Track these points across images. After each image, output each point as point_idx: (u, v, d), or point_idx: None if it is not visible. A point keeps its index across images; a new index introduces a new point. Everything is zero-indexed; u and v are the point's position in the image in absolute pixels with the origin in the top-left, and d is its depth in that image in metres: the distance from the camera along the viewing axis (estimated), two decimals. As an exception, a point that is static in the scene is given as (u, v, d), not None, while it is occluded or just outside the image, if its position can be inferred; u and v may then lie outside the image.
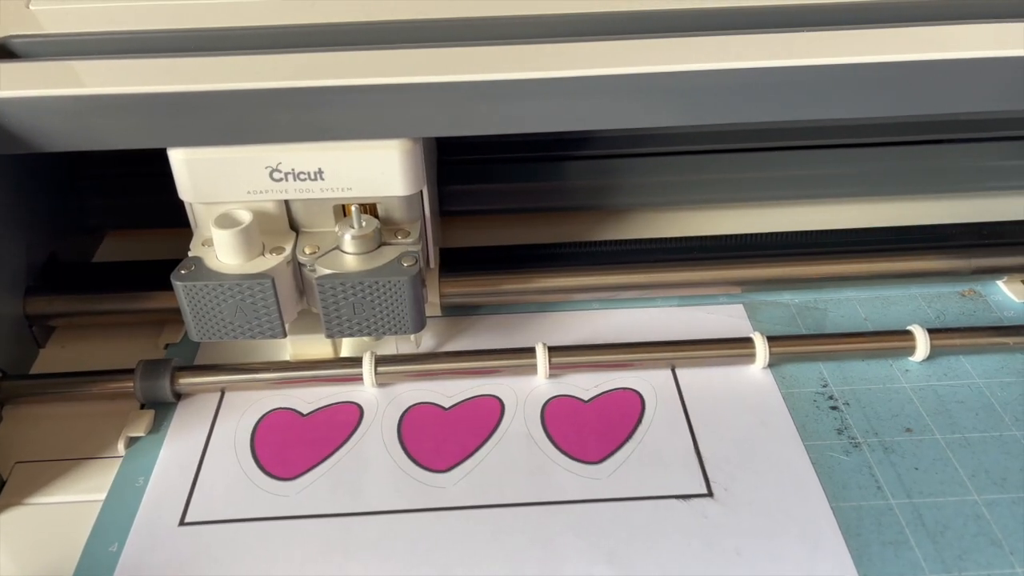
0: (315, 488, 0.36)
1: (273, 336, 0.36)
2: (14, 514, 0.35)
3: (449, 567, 0.32)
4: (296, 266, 0.37)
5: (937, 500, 0.34)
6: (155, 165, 0.47)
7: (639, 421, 0.38)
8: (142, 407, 0.39)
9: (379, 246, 0.36)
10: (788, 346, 0.40)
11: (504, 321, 0.44)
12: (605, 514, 0.34)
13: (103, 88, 0.33)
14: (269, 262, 0.35)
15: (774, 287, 0.45)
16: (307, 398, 0.40)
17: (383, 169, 0.35)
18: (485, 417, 0.39)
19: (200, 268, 0.35)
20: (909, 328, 0.40)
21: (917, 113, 0.35)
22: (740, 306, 0.44)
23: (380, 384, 0.40)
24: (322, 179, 0.35)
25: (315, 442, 0.37)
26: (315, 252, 0.36)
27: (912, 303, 0.44)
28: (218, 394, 0.40)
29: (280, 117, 0.34)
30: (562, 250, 0.45)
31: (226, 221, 0.35)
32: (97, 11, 0.39)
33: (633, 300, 0.45)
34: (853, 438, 0.37)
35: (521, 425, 0.38)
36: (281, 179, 0.35)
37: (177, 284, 0.35)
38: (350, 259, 0.36)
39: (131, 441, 0.37)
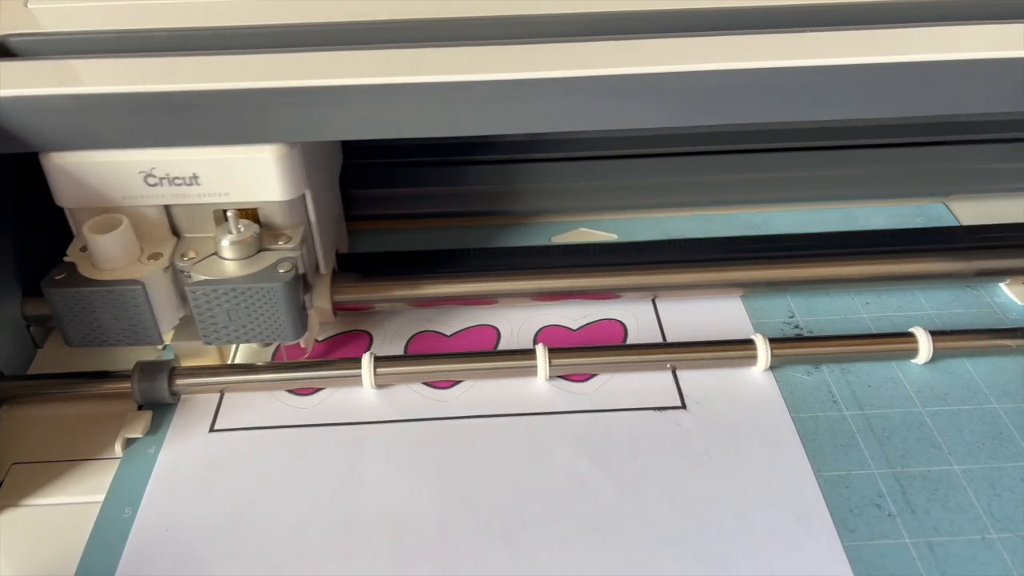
0: (330, 402, 0.40)
1: (151, 343, 0.36)
2: (10, 516, 0.34)
3: (450, 466, 0.36)
4: (175, 272, 0.36)
5: (885, 411, 0.38)
6: None
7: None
8: (140, 408, 0.39)
9: (258, 251, 0.36)
10: (790, 348, 0.40)
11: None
12: (590, 423, 0.38)
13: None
14: (144, 268, 0.35)
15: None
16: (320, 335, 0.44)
17: (259, 174, 0.35)
18: (484, 343, 0.43)
19: (73, 275, 0.35)
20: (911, 330, 0.40)
21: (920, 114, 0.35)
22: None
23: (379, 386, 0.40)
24: (198, 184, 0.35)
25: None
26: (194, 258, 0.36)
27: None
28: (217, 395, 0.40)
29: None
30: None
31: (101, 226, 0.35)
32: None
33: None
34: (815, 362, 0.41)
35: (516, 350, 0.42)
36: (156, 184, 0.35)
37: (49, 291, 0.34)
38: (228, 265, 0.36)
39: (128, 442, 0.37)
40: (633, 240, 0.47)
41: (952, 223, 0.52)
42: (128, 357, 0.41)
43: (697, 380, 0.40)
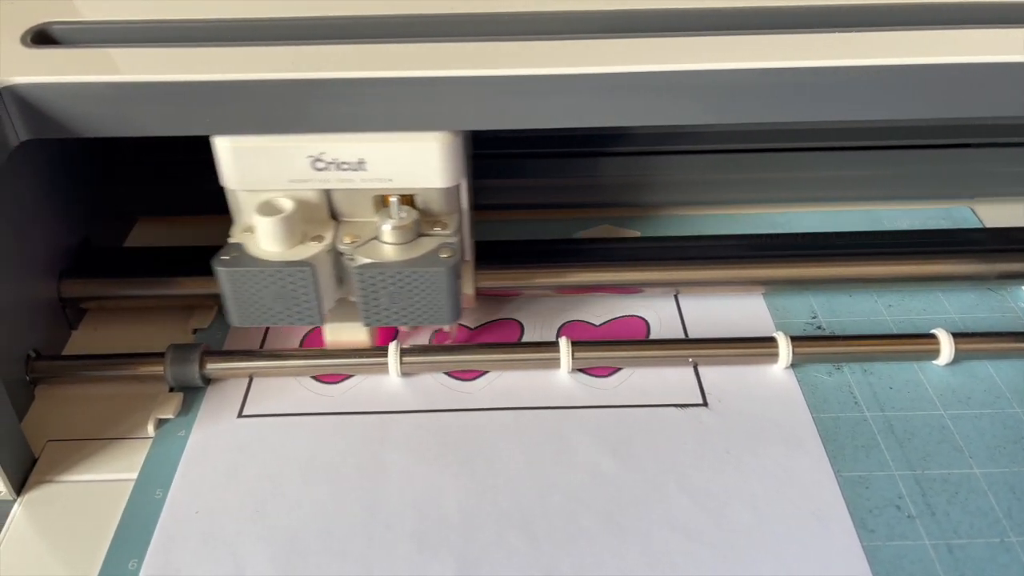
0: (356, 391, 0.40)
1: (311, 323, 0.37)
2: (45, 491, 0.35)
3: (472, 456, 0.37)
4: (335, 255, 0.37)
5: (907, 414, 0.38)
6: (185, 153, 0.48)
7: (644, 343, 0.42)
8: (171, 390, 0.40)
9: (417, 237, 0.37)
10: (811, 347, 0.40)
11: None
12: (611, 418, 0.39)
13: (143, 76, 0.34)
14: (309, 250, 0.36)
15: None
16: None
17: (423, 161, 0.36)
18: (507, 337, 0.44)
19: (242, 254, 0.36)
20: (933, 332, 0.40)
21: (946, 116, 0.36)
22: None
23: (405, 374, 0.40)
24: (363, 170, 0.36)
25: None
26: (355, 241, 0.37)
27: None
28: (246, 380, 0.41)
29: (324, 107, 0.34)
30: (590, 245, 0.46)
31: (268, 209, 0.36)
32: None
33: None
34: (836, 361, 0.41)
35: (539, 342, 0.43)
36: (323, 168, 0.36)
37: (219, 270, 0.35)
38: (389, 249, 0.36)
39: (160, 422, 0.38)
40: (656, 236, 0.48)
41: (976, 226, 0.51)
42: (159, 340, 0.42)
43: (719, 377, 0.40)
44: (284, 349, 0.43)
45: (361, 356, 0.41)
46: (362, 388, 0.40)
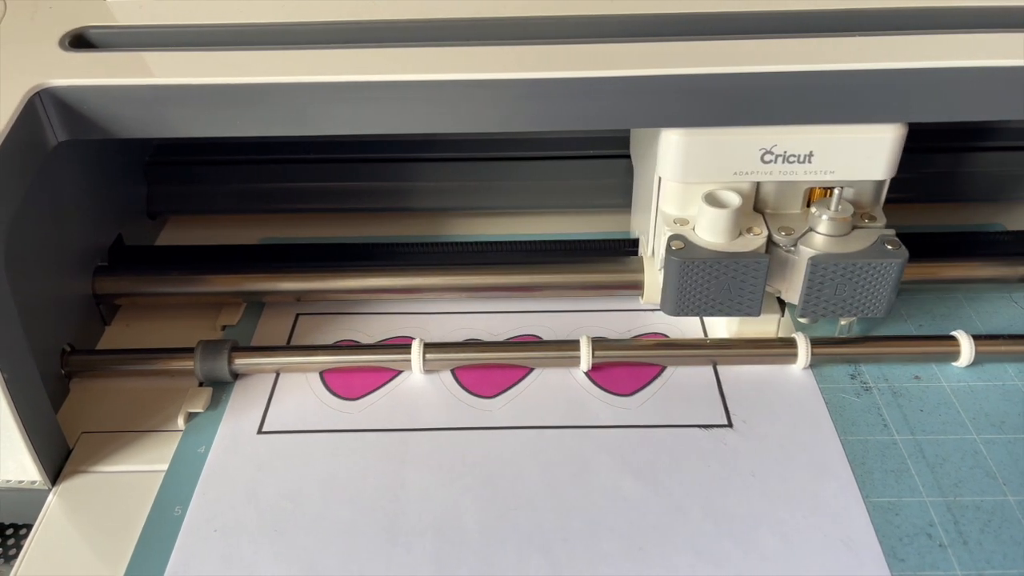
0: (376, 407, 0.40)
1: (750, 314, 0.37)
2: (78, 481, 0.37)
3: (492, 476, 0.36)
4: (768, 247, 0.37)
5: (939, 438, 0.37)
6: (216, 154, 0.50)
7: (668, 361, 0.42)
8: (200, 385, 0.41)
9: (852, 230, 0.37)
10: (831, 348, 0.40)
11: None
12: (633, 438, 0.38)
13: (182, 79, 0.35)
14: (754, 242, 0.36)
15: None
16: (369, 331, 0.44)
17: (873, 153, 0.35)
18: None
19: (691, 246, 0.36)
20: (953, 333, 0.40)
21: (948, 119, 0.36)
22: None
23: (428, 371, 0.41)
24: (809, 162, 0.36)
25: (377, 369, 0.42)
26: (789, 234, 0.37)
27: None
28: (273, 375, 0.41)
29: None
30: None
31: (713, 200, 0.36)
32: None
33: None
34: (865, 383, 0.40)
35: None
36: (771, 161, 0.36)
37: (673, 260, 0.36)
38: (828, 241, 0.36)
39: (191, 416, 0.39)
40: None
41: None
42: (189, 336, 0.42)
43: (744, 398, 0.39)
44: (309, 345, 0.43)
45: (384, 352, 0.41)
46: (381, 405, 0.40)
